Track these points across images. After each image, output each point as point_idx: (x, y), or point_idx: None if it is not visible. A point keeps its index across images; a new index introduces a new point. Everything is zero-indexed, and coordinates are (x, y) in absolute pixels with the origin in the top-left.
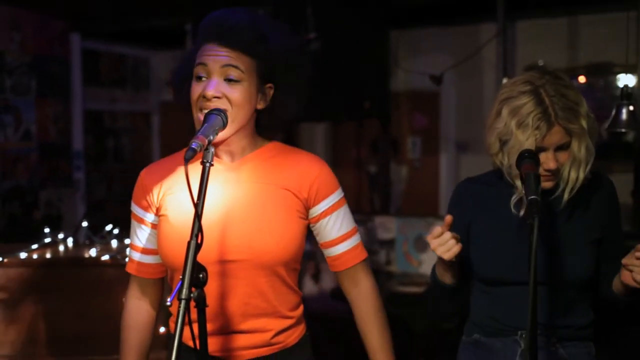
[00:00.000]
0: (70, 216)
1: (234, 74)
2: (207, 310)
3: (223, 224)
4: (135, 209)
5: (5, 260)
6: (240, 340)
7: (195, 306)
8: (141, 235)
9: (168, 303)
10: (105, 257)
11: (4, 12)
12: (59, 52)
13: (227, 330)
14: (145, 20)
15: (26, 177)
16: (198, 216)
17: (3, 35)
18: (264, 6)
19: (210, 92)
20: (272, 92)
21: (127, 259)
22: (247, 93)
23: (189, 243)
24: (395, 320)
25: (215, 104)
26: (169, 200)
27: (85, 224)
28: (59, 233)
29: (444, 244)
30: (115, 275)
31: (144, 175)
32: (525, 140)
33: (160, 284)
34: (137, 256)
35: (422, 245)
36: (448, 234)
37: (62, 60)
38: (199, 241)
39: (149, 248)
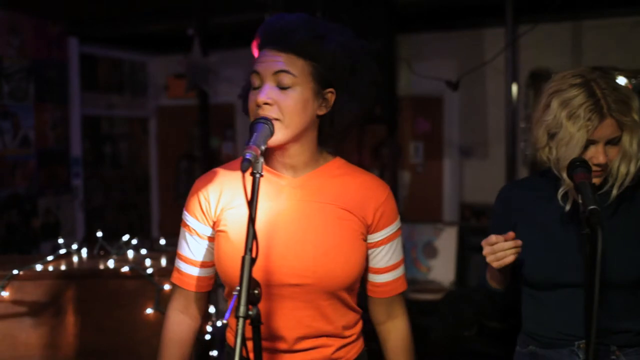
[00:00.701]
0: (69, 224)
1: (285, 80)
2: (266, 330)
3: (285, 244)
4: (188, 219)
5: (21, 272)
6: (300, 357)
7: (250, 323)
8: (193, 247)
9: (225, 320)
10: (125, 269)
11: (2, 16)
12: (57, 56)
13: (286, 349)
14: (146, 25)
15: (24, 185)
16: (252, 230)
17: (1, 40)
18: (272, 10)
19: (261, 99)
20: (333, 97)
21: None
22: (300, 99)
23: (243, 258)
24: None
25: (267, 111)
26: (229, 215)
27: (99, 234)
28: (72, 244)
29: (494, 253)
30: (135, 287)
31: (201, 185)
32: (577, 131)
33: (206, 297)
34: (189, 269)
35: (430, 251)
36: (501, 245)
37: (60, 64)
38: (254, 255)
39: (199, 260)
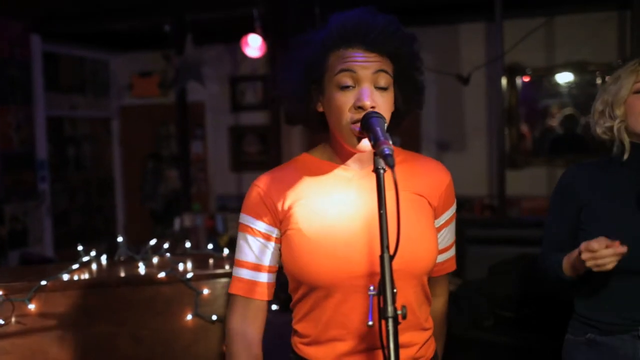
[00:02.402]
0: (36, 231)
1: (383, 80)
2: (349, 326)
3: (366, 235)
4: (250, 221)
5: (49, 283)
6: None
7: (386, 323)
8: (259, 251)
9: (370, 323)
10: (162, 274)
11: None
12: (20, 55)
13: (373, 347)
14: (122, 21)
15: None
16: (385, 226)
17: None
18: (258, 5)
19: (368, 103)
20: (395, 92)
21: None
22: (392, 99)
23: (381, 257)
24: None
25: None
26: (299, 211)
27: (120, 239)
28: (90, 250)
29: (595, 259)
30: (171, 293)
31: (262, 185)
32: (627, 74)
33: (268, 306)
34: (248, 274)
35: None
36: (604, 253)
37: (23, 64)
38: (392, 253)
39: (266, 265)
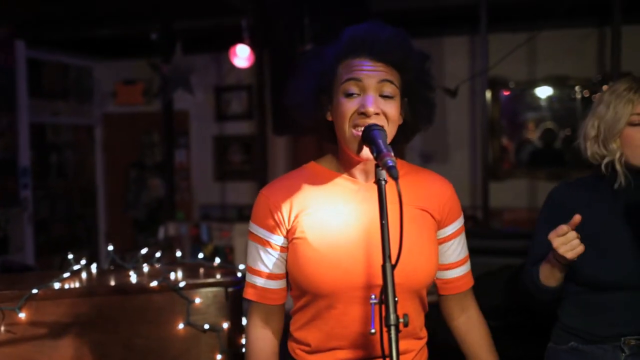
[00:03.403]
0: (17, 238)
1: (389, 89)
2: (350, 336)
3: (366, 247)
4: (258, 230)
5: (40, 291)
6: None
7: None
8: (266, 259)
9: (372, 331)
10: (154, 283)
11: None
12: (4, 60)
13: (370, 355)
14: (108, 28)
15: None
16: (387, 236)
17: None
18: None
19: (372, 109)
20: (405, 106)
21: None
22: (398, 109)
23: (383, 266)
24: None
25: (374, 120)
26: (304, 221)
27: (110, 247)
28: (80, 259)
29: (567, 243)
30: (163, 301)
31: (268, 194)
32: (622, 107)
33: (283, 310)
34: (260, 281)
35: None
36: (573, 234)
37: (7, 70)
38: (394, 262)
39: (275, 273)
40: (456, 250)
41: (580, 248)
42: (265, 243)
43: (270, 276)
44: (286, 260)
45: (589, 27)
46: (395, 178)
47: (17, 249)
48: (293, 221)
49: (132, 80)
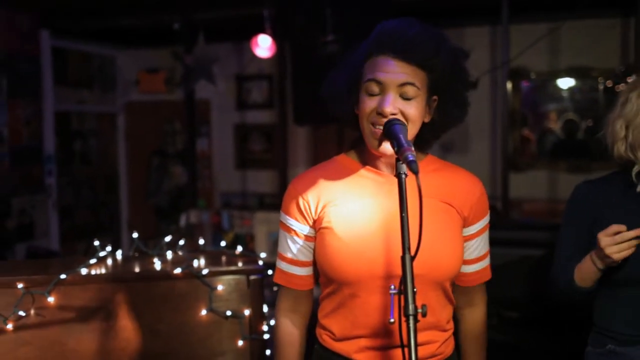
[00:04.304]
0: (42, 224)
1: (409, 92)
2: (372, 325)
3: (390, 238)
4: (287, 219)
5: (68, 277)
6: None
7: (407, 320)
8: (294, 247)
9: (391, 321)
10: (177, 270)
11: None
12: (29, 49)
13: (392, 344)
14: (130, 18)
15: None
16: (406, 228)
17: None
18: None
19: (388, 110)
20: (435, 104)
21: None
22: (421, 108)
23: (402, 257)
24: None
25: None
26: (332, 212)
27: (135, 235)
28: (105, 246)
29: (617, 243)
30: (186, 288)
31: (298, 185)
32: None
33: (311, 295)
34: (288, 268)
35: None
36: (626, 235)
37: (32, 58)
38: (413, 254)
39: (301, 260)
40: (477, 247)
41: (629, 251)
42: (291, 231)
43: (298, 263)
44: (313, 249)
45: (613, 17)
46: (415, 172)
47: (42, 234)
48: (320, 212)
49: (155, 69)
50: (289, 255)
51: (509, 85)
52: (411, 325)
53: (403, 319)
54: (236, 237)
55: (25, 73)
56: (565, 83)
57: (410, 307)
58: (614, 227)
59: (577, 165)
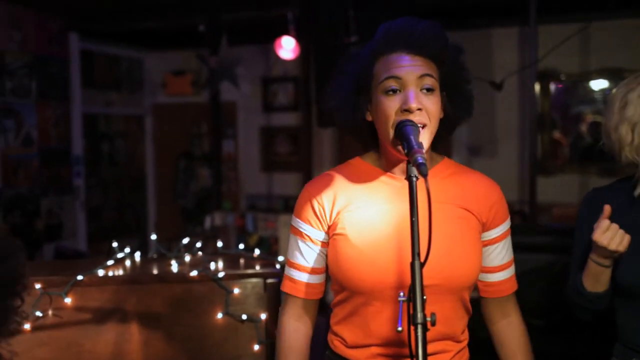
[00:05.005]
0: (70, 224)
1: (429, 82)
2: (385, 334)
3: (404, 246)
4: (300, 225)
5: (85, 278)
6: None
7: (423, 329)
8: (306, 253)
9: (399, 329)
10: (194, 273)
11: (2, 10)
12: (58, 52)
13: (405, 354)
14: (157, 20)
15: (27, 185)
16: (416, 234)
17: (2, 34)
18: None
19: (414, 105)
20: (444, 100)
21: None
22: (439, 103)
23: (412, 264)
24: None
25: (417, 117)
26: (347, 218)
27: (154, 237)
28: (124, 247)
29: (615, 235)
30: (203, 291)
31: (312, 190)
32: None
33: (318, 305)
34: (302, 276)
35: None
36: (616, 225)
37: (61, 61)
38: (422, 260)
39: (315, 267)
40: (500, 253)
41: (627, 237)
42: (306, 238)
43: (309, 270)
44: (326, 255)
45: None
46: (425, 175)
47: (70, 235)
48: (335, 217)
49: (182, 71)
50: (302, 263)
51: (537, 87)
52: (419, 334)
53: (412, 327)
54: (260, 240)
55: (54, 75)
56: (597, 85)
57: (419, 315)
58: (606, 221)
59: (607, 169)
